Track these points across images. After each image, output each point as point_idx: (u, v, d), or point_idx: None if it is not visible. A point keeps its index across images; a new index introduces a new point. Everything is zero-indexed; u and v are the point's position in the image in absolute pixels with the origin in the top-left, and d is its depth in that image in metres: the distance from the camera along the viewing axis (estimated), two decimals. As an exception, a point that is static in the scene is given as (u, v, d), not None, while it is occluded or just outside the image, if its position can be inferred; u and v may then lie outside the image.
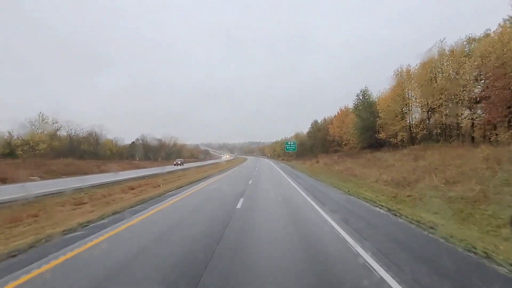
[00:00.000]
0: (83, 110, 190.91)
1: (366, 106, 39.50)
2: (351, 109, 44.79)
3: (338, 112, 57.66)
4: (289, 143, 76.03)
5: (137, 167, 43.63)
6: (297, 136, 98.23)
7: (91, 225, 8.26)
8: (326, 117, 70.34)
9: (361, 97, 41.03)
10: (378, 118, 38.01)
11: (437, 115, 25.19)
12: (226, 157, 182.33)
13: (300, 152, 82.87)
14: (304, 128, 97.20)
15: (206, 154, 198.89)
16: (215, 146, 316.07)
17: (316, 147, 70.35)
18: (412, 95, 31.39)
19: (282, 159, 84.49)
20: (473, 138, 22.22)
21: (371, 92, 40.81)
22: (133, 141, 77.92)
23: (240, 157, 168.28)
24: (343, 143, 52.28)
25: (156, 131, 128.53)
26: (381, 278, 4.37)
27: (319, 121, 75.27)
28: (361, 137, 39.86)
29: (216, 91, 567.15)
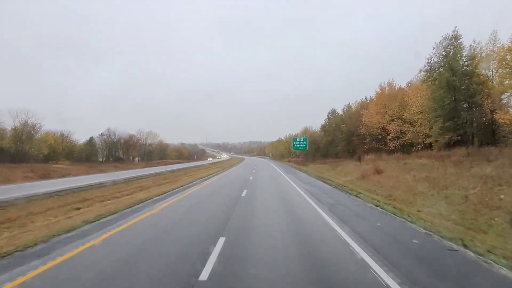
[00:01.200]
0: (73, 104, 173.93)
1: (462, 65, 20.55)
2: (422, 75, 25.54)
3: (376, 93, 38.64)
4: (298, 140, 57.12)
5: (43, 177, 24.82)
6: (306, 131, 79.62)
7: None
8: (351, 103, 51.37)
9: (445, 47, 21.89)
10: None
11: None
12: (224, 156, 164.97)
13: (311, 151, 63.95)
14: (314, 125, 78.87)
15: (202, 154, 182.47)
16: (214, 145, 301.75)
17: (336, 144, 51.46)
18: None
19: (289, 161, 65.51)
20: None
21: (462, 41, 21.69)
22: (91, 137, 58.95)
23: (237, 157, 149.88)
24: (389, 137, 33.45)
25: (154, 131, 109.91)
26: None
27: (339, 110, 56.55)
28: (447, 124, 20.93)
29: (216, 89, 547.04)
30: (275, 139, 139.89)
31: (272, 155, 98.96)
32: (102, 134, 62.63)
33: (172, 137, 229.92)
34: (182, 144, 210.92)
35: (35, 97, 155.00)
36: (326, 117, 58.56)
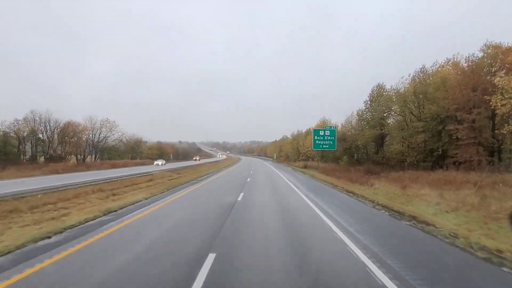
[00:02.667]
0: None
1: None
2: None
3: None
4: (321, 134, 35.32)
5: None
6: (323, 124, 58.03)
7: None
8: (426, 65, 28.62)
9: None
10: None
11: None
12: (220, 156, 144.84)
13: (337, 153, 42.06)
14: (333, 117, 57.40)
15: (196, 152, 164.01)
16: (213, 144, 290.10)
17: (390, 141, 29.37)
18: None
19: (305, 166, 42.87)
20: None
21: None
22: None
23: (232, 158, 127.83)
24: None
25: (150, 130, 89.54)
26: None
27: (387, 85, 34.39)
28: None
29: (218, 87, 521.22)
30: (277, 139, 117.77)
31: (276, 156, 75.72)
32: (19, 120, 40.47)
33: (172, 136, 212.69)
34: (180, 142, 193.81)
35: (28, 94, 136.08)
36: (367, 99, 36.34)
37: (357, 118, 38.51)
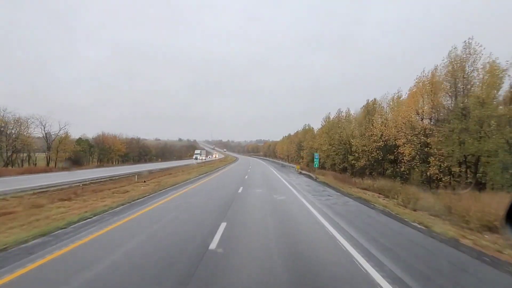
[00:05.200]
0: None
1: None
2: None
3: None
4: None
5: None
6: (423, 86, 19.13)
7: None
8: None
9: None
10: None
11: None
12: (201, 157, 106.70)
13: None
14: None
15: (186, 152, 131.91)
16: (217, 142, 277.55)
17: None
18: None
19: None
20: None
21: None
22: None
23: (225, 158, 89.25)
24: None
25: (151, 128, 53.03)
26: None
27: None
28: None
29: (225, 83, 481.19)
30: (291, 134, 78.91)
31: (318, 161, 33.06)
32: None
33: (174, 134, 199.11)
34: (180, 140, 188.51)
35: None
36: None
37: None
